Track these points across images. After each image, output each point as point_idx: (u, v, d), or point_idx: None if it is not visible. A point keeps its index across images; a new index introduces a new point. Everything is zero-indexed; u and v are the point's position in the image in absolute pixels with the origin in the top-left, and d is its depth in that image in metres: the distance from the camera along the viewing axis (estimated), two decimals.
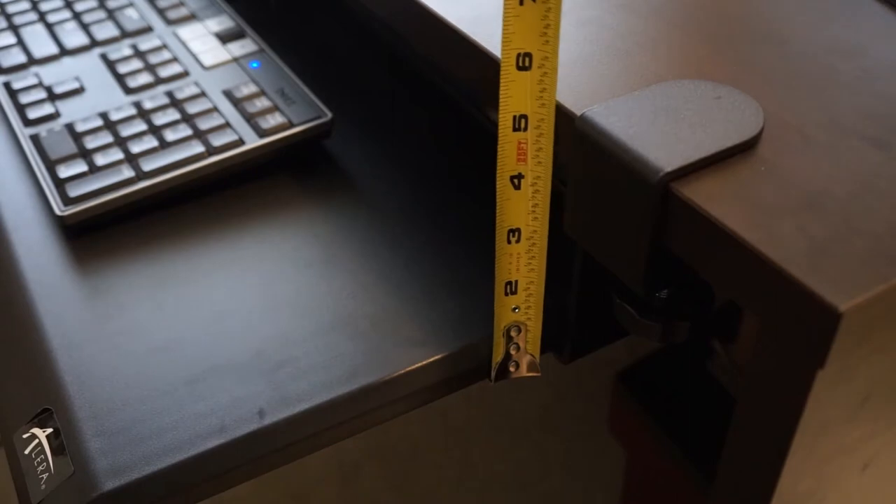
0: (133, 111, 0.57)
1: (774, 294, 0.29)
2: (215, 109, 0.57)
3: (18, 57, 0.63)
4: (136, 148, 0.54)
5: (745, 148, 0.34)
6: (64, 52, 0.63)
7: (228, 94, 0.58)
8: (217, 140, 0.54)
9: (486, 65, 0.40)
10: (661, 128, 0.34)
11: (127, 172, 0.52)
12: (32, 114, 0.58)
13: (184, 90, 0.58)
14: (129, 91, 0.59)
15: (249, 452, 0.41)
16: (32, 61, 0.63)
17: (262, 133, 0.55)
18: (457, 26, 0.42)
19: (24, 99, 0.59)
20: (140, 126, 0.56)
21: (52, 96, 0.59)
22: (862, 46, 0.40)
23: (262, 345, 0.45)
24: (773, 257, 0.29)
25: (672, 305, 0.40)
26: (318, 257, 0.50)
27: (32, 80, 0.60)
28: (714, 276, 0.32)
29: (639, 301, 0.41)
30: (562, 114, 0.36)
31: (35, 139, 0.56)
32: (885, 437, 0.38)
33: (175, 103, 0.57)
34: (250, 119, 0.56)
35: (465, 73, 0.43)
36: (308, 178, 0.56)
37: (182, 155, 0.53)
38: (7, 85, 0.60)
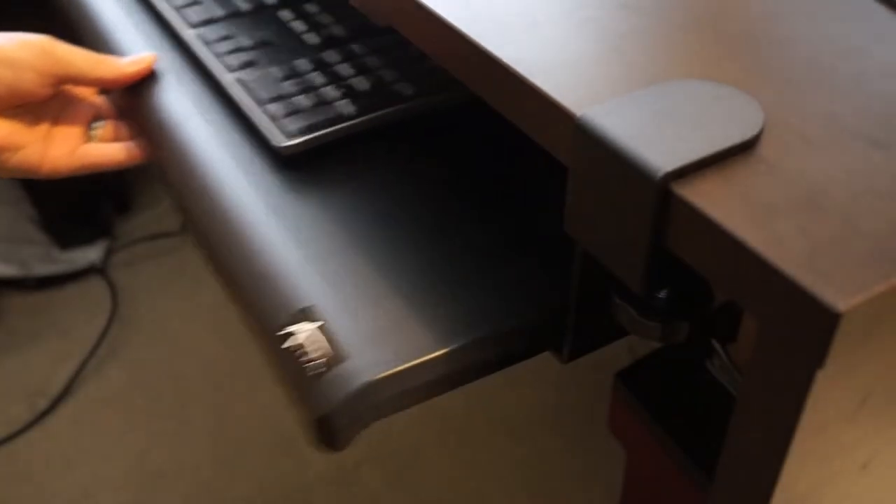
0: (339, 57, 0.61)
1: (774, 294, 0.29)
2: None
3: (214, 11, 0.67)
4: (347, 86, 0.58)
5: (745, 148, 0.34)
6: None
7: None
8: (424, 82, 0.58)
9: (486, 66, 0.40)
10: (661, 128, 0.34)
11: (343, 109, 0.56)
12: (231, 61, 0.61)
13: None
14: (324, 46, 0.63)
15: None
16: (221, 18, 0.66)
17: None
18: (458, 27, 0.42)
19: (220, 49, 0.62)
20: (349, 70, 0.59)
21: (249, 48, 0.62)
22: (862, 46, 0.40)
23: None
24: (772, 258, 0.29)
25: (672, 305, 0.40)
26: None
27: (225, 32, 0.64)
28: (714, 277, 0.32)
29: (639, 301, 0.41)
30: (562, 114, 0.36)
31: (242, 83, 0.58)
32: (885, 437, 0.38)
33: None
34: None
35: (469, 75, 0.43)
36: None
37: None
38: (201, 37, 0.63)
